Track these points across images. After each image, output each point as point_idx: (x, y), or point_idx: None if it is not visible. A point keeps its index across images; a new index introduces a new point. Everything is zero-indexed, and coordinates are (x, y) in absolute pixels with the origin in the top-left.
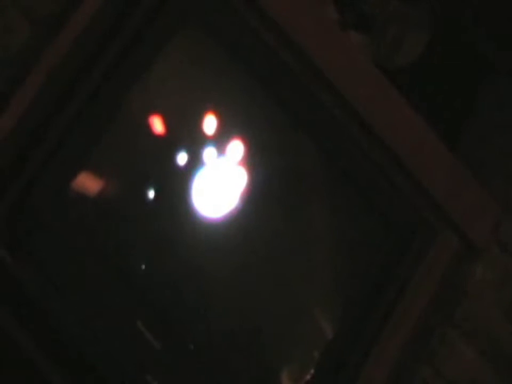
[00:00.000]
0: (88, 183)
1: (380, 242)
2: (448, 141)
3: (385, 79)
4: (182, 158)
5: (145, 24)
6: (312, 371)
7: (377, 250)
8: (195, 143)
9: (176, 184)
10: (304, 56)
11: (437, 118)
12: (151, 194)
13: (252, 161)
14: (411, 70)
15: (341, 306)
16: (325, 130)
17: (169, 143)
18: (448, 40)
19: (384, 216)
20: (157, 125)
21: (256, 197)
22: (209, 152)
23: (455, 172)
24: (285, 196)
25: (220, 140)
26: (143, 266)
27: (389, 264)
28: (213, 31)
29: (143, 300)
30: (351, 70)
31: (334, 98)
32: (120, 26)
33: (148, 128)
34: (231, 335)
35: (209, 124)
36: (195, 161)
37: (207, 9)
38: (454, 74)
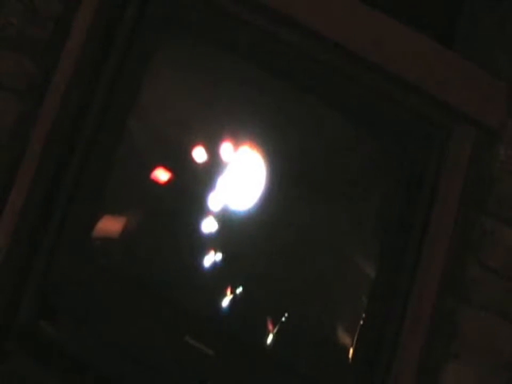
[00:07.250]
0: (107, 227)
1: (399, 160)
2: (444, 38)
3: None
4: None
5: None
6: (363, 316)
7: (398, 169)
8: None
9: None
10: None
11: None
12: (171, 218)
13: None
14: None
15: (378, 239)
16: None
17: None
18: None
19: (396, 133)
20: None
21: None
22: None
23: (453, 65)
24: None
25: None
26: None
27: (414, 178)
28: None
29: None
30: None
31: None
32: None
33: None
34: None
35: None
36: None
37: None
38: None
